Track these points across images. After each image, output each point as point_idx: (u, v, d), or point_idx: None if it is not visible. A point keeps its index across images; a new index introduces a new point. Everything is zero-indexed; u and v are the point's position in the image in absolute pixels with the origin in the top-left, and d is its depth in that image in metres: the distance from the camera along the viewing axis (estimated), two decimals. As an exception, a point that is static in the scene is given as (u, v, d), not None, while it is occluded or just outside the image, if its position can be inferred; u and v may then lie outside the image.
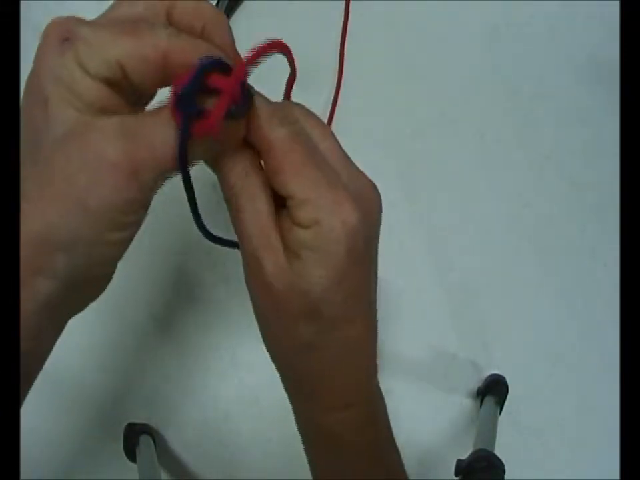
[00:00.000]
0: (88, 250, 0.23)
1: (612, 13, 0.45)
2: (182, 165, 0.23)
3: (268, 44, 0.24)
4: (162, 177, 0.23)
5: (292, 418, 0.52)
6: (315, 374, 0.28)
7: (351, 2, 0.55)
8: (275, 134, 0.24)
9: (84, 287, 0.24)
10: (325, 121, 0.53)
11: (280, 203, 0.25)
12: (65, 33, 0.22)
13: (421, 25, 0.56)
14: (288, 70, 0.28)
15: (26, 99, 0.23)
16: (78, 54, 0.22)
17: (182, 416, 0.53)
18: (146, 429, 0.51)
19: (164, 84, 0.23)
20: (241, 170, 0.25)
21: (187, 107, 0.22)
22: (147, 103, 0.26)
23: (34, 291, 0.22)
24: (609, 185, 0.55)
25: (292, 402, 0.30)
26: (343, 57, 0.55)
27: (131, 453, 0.50)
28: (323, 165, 0.25)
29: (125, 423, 0.52)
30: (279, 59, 0.26)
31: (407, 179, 0.55)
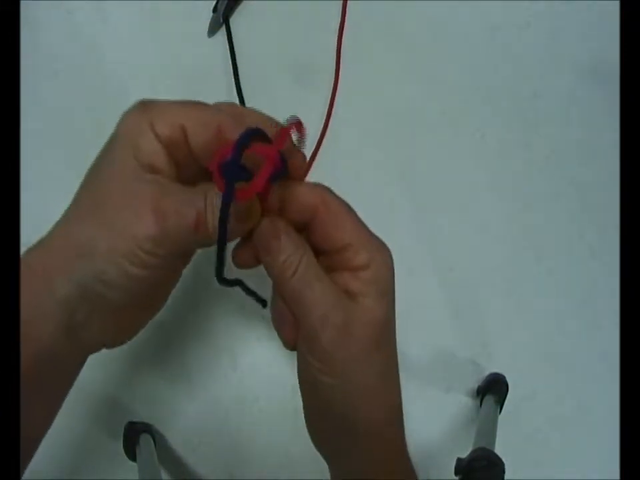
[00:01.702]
0: (102, 265, 0.26)
1: (612, 13, 0.45)
2: (222, 226, 0.26)
3: (294, 123, 0.28)
4: (187, 237, 0.27)
5: (291, 418, 0.52)
6: (392, 402, 0.31)
7: (350, 2, 0.55)
8: (329, 197, 0.29)
9: (99, 307, 0.27)
10: (323, 121, 0.53)
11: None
12: (145, 103, 0.28)
13: (421, 24, 0.56)
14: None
15: (106, 143, 0.28)
16: (150, 115, 0.27)
17: (182, 416, 0.53)
18: (146, 428, 0.51)
19: (212, 155, 0.27)
20: (298, 245, 0.29)
21: (231, 173, 0.25)
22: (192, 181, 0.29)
23: (53, 288, 0.26)
24: (609, 184, 0.55)
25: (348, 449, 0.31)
26: (339, 57, 0.55)
27: (130, 452, 0.50)
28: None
29: (125, 422, 0.52)
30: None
31: (407, 179, 0.55)
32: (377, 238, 0.30)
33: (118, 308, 0.27)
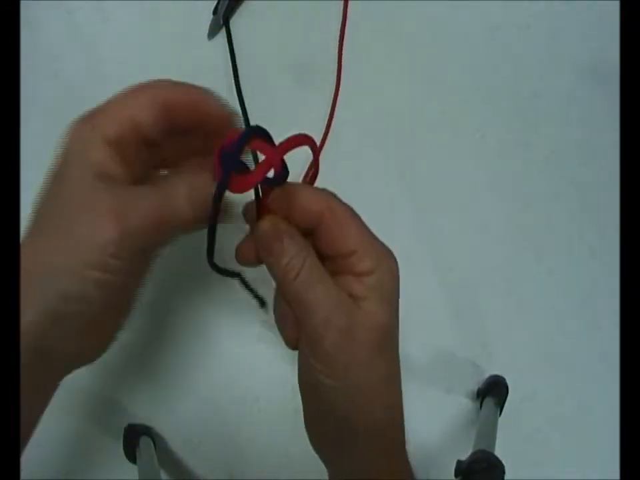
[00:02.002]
0: (66, 279, 0.26)
1: (612, 13, 0.45)
2: (214, 212, 0.27)
3: (302, 136, 0.28)
4: (147, 236, 0.27)
5: (291, 418, 0.52)
6: (394, 407, 0.31)
7: (349, 2, 0.55)
8: (334, 203, 0.30)
9: (66, 322, 0.26)
10: (325, 121, 0.53)
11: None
12: (88, 111, 0.28)
13: (420, 25, 0.56)
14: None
15: (57, 158, 0.28)
16: (94, 121, 0.28)
17: (182, 416, 0.53)
18: (146, 430, 0.51)
19: (171, 129, 0.28)
20: (300, 247, 0.29)
21: (229, 162, 0.26)
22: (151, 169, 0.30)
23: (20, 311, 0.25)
24: (609, 184, 0.55)
25: (354, 446, 0.30)
26: (341, 57, 0.55)
27: (130, 454, 0.50)
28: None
29: (125, 424, 0.52)
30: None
31: (407, 179, 0.55)
32: (382, 244, 0.31)
33: (85, 320, 0.27)
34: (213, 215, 0.27)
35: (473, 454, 0.44)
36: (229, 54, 0.53)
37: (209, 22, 0.54)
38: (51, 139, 0.52)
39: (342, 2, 0.55)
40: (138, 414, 0.52)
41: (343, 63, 0.55)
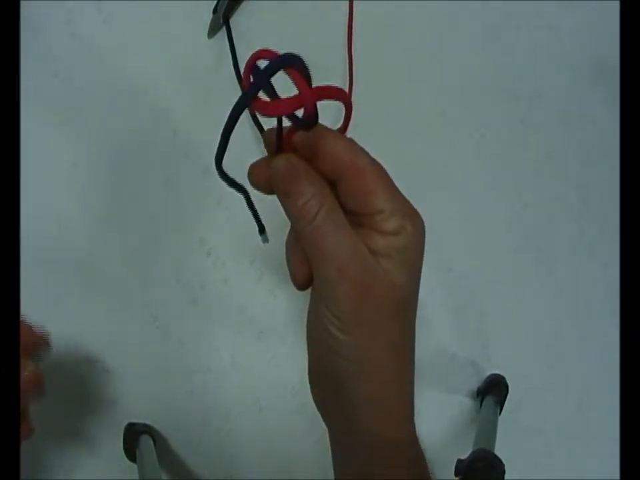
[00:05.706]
0: None
1: (612, 13, 0.45)
2: (232, 119, 0.24)
3: (340, 89, 0.26)
4: None
5: (292, 418, 0.52)
6: (400, 378, 0.29)
7: (349, 2, 0.55)
8: (363, 159, 0.28)
9: None
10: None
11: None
12: None
13: (420, 24, 0.56)
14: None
15: None
16: None
17: (182, 416, 0.53)
18: (146, 429, 0.51)
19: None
20: (318, 190, 0.27)
21: (259, 78, 0.24)
22: None
23: None
24: (609, 184, 0.55)
25: (358, 410, 0.28)
26: (352, 56, 0.55)
27: (131, 453, 0.50)
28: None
29: (125, 423, 0.52)
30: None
31: (406, 179, 0.55)
32: (411, 206, 0.29)
33: None
34: (231, 122, 0.24)
35: (473, 452, 0.44)
36: (229, 53, 0.53)
37: (209, 21, 0.54)
38: (51, 139, 0.52)
39: (341, 1, 0.55)
40: (138, 413, 0.52)
41: (341, 63, 0.55)
